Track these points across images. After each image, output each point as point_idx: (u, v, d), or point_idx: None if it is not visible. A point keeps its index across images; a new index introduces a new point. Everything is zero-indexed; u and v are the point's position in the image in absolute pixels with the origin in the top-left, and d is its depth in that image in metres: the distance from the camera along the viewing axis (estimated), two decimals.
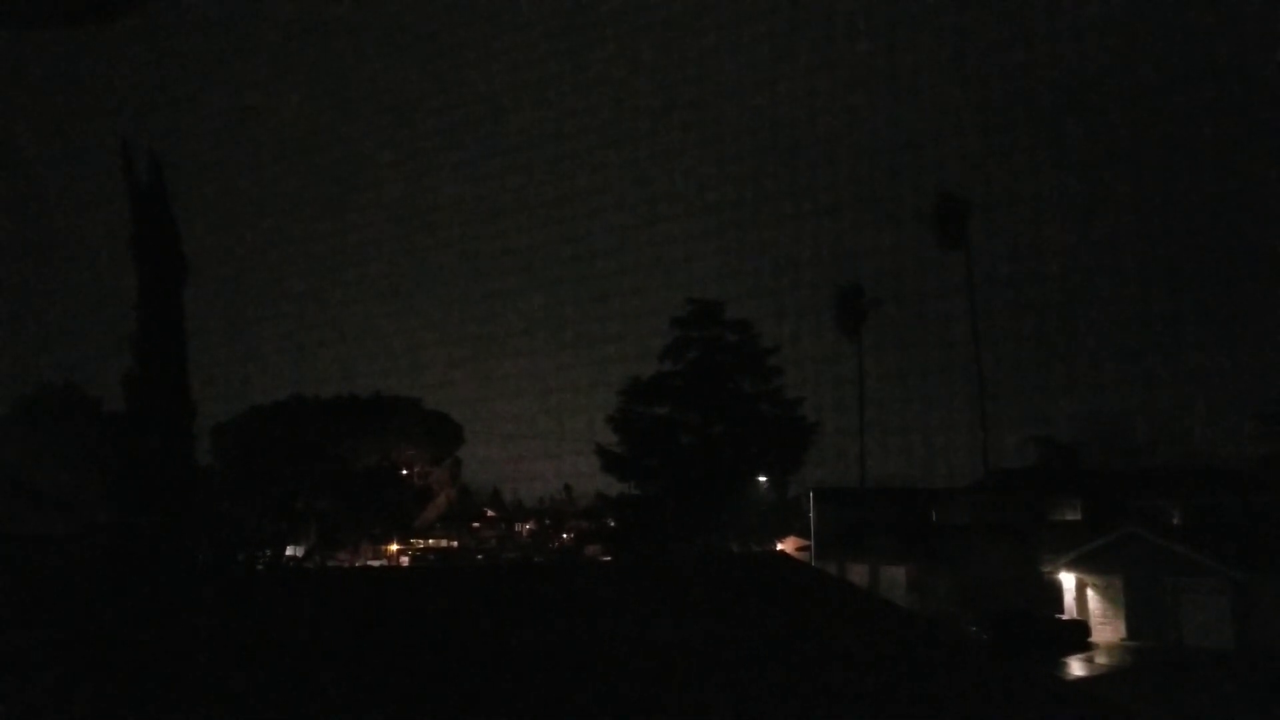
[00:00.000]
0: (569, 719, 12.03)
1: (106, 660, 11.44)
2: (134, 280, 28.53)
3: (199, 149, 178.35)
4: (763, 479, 66.76)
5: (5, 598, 12.79)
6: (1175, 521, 57.62)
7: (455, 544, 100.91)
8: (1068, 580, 54.99)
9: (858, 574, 61.63)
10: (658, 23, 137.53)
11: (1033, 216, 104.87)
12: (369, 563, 79.25)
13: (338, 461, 70.27)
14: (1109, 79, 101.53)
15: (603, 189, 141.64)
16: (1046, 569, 55.67)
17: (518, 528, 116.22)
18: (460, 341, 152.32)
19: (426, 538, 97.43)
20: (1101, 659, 47.14)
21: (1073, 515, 62.48)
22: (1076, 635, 51.42)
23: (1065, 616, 53.70)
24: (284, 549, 68.52)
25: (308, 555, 70.70)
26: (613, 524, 65.73)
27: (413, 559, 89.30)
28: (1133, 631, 51.87)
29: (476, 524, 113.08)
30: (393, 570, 51.86)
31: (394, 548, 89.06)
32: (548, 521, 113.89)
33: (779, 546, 69.90)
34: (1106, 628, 52.85)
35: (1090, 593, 54.14)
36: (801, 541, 68.37)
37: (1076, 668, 44.15)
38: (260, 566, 60.32)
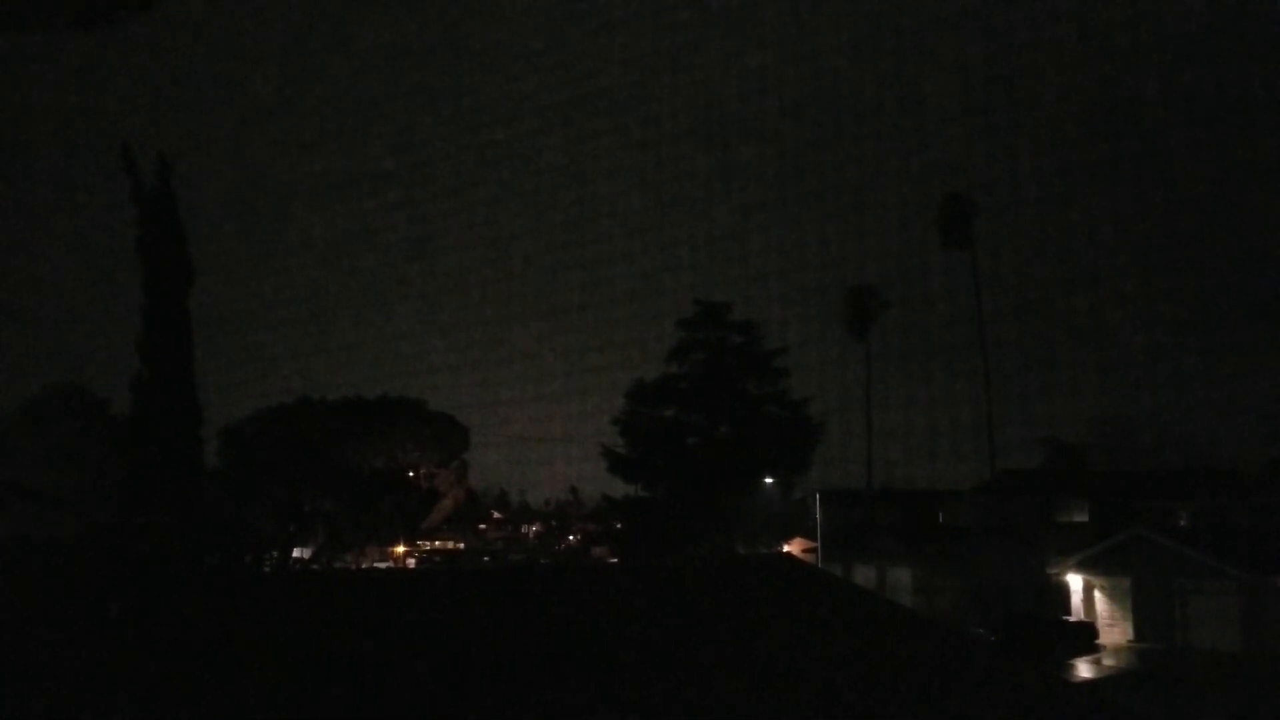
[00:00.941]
0: None
1: (111, 662, 11.46)
2: (141, 282, 28.60)
3: (206, 151, 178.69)
4: (769, 480, 66.64)
5: (10, 599, 12.82)
6: (1183, 523, 57.44)
7: (462, 546, 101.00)
8: (1075, 582, 54.82)
9: (864, 575, 61.47)
10: (667, 26, 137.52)
11: (1039, 218, 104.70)
12: (375, 565, 79.31)
13: (344, 463, 70.27)
14: (1114, 80, 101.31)
15: (610, 192, 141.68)
16: (1053, 571, 55.50)
17: (524, 530, 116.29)
18: (467, 344, 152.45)
19: (433, 540, 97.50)
20: (1109, 661, 47.01)
21: (1080, 517, 62.32)
22: (1083, 637, 51.26)
23: (1072, 618, 53.53)
24: (291, 551, 68.67)
25: (314, 557, 70.77)
26: (619, 526, 65.70)
27: (419, 561, 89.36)
28: (1140, 633, 51.69)
29: (483, 526, 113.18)
30: (399, 572, 51.92)
31: (400, 550, 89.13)
32: (554, 523, 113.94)
33: (785, 548, 69.75)
34: (1114, 629, 52.68)
35: (1097, 594, 53.97)
36: (807, 543, 68.23)
37: (1084, 670, 44.03)
38: (267, 568, 60.51)
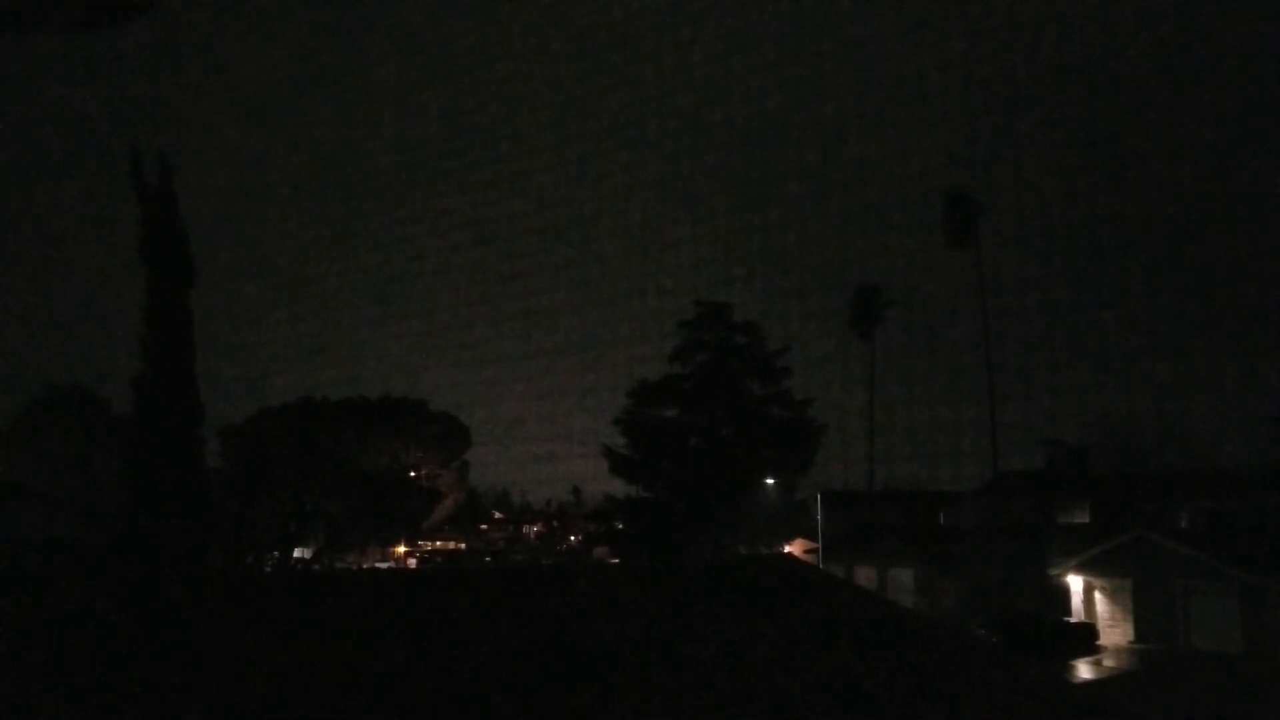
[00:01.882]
0: None
1: (113, 662, 11.49)
2: (143, 283, 28.70)
3: (208, 152, 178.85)
4: (771, 481, 66.64)
5: (12, 600, 12.86)
6: (1184, 525, 57.42)
7: (463, 546, 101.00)
8: (1076, 583, 54.84)
9: (865, 576, 61.50)
10: (667, 25, 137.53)
11: (1043, 219, 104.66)
12: (377, 565, 79.34)
13: (346, 464, 70.36)
14: (1120, 81, 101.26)
15: (612, 192, 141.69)
16: (1054, 572, 55.52)
17: (526, 530, 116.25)
18: (469, 345, 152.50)
19: (434, 540, 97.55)
20: (1109, 662, 47.01)
21: (1081, 518, 62.30)
22: (1084, 638, 51.28)
23: (1073, 619, 53.56)
24: (292, 551, 68.67)
25: (316, 557, 70.79)
26: (621, 526, 65.71)
27: (421, 561, 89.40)
28: (1141, 634, 51.70)
29: (484, 526, 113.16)
30: (400, 572, 51.89)
31: (402, 550, 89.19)
32: (556, 524, 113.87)
33: (786, 549, 69.77)
34: (1115, 630, 52.68)
35: (1098, 595, 53.98)
36: (809, 544, 68.23)
37: (1084, 670, 44.04)
38: (268, 568, 60.55)
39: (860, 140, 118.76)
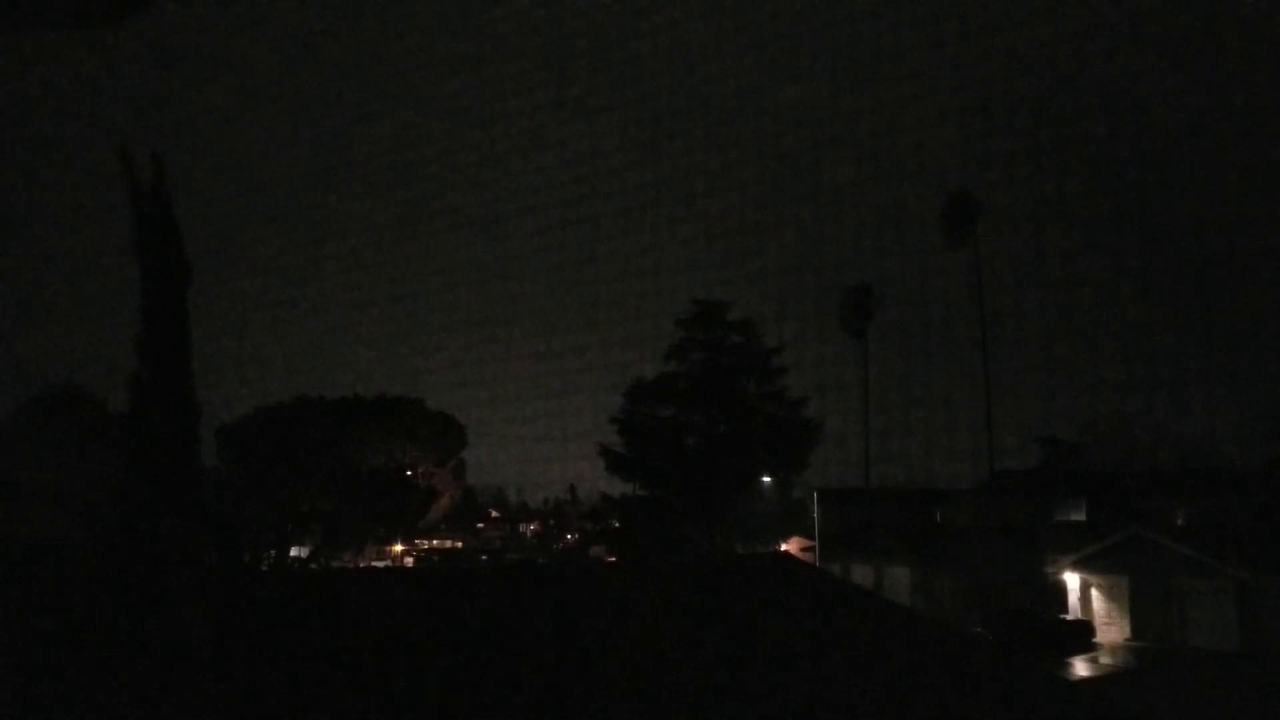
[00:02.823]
0: None
1: (110, 662, 11.45)
2: (138, 282, 28.57)
3: (203, 149, 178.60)
4: (767, 479, 66.67)
5: (7, 599, 12.81)
6: (1180, 522, 57.48)
7: (460, 545, 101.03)
8: (1072, 581, 54.89)
9: (862, 575, 61.52)
10: (664, 26, 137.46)
11: (1039, 218, 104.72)
12: (373, 564, 79.28)
13: (342, 462, 70.29)
14: (1118, 82, 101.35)
15: (608, 190, 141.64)
16: (1051, 569, 55.57)
17: (522, 528, 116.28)
18: (465, 344, 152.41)
19: (431, 539, 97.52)
20: (1106, 659, 47.05)
21: (1077, 516, 62.38)
22: (1081, 636, 51.34)
23: (1069, 617, 53.62)
24: (289, 550, 68.62)
25: (312, 556, 70.73)
26: (617, 525, 65.72)
27: (417, 560, 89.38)
28: (1137, 632, 51.76)
29: (481, 525, 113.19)
30: (397, 571, 51.84)
31: (398, 549, 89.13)
32: (552, 522, 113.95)
33: (783, 547, 69.84)
34: (1111, 628, 52.74)
35: (1095, 593, 54.03)
36: (806, 542, 68.31)
37: (1081, 668, 44.08)
38: (265, 567, 60.43)
39: (860, 140, 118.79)
